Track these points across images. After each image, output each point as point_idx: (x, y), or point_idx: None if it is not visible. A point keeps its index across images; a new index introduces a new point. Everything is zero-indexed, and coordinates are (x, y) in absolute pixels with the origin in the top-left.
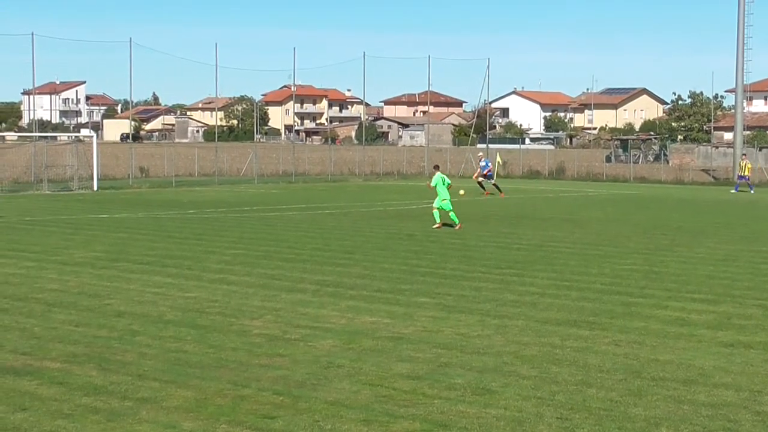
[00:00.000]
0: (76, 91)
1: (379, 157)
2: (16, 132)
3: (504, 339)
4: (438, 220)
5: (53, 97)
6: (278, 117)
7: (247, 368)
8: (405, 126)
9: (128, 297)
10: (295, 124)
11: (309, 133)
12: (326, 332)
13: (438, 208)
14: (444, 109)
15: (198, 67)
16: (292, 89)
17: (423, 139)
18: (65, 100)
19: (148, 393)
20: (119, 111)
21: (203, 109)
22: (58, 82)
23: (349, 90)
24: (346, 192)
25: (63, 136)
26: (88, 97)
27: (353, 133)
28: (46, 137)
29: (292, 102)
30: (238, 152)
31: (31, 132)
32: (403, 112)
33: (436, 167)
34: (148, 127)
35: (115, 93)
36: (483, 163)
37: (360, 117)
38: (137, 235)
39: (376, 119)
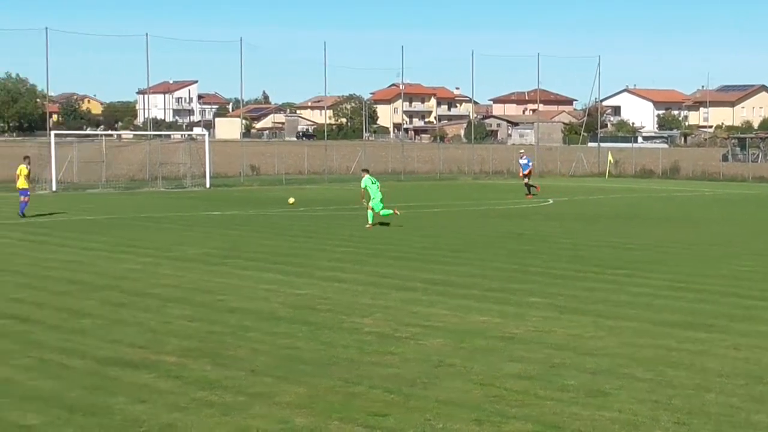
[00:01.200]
0: (189, 90)
1: (488, 156)
2: (131, 130)
3: (618, 340)
4: (371, 221)
5: (167, 96)
6: (387, 115)
7: (358, 365)
8: (514, 124)
9: (241, 293)
10: (404, 122)
11: (417, 131)
12: (436, 331)
13: (372, 209)
14: (554, 108)
15: (307, 66)
16: (401, 87)
17: (532, 138)
18: (178, 99)
19: (261, 388)
20: (230, 110)
21: (312, 108)
22: (171, 82)
23: (457, 88)
24: (454, 190)
25: (176, 135)
26: (200, 96)
27: (462, 132)
28: (160, 136)
29: (400, 100)
30: (347, 150)
31: (146, 130)
32: (512, 110)
33: (365, 170)
34: (259, 125)
35: (227, 92)
36: (524, 161)
37: (469, 115)
38: (249, 232)
39: (485, 117)
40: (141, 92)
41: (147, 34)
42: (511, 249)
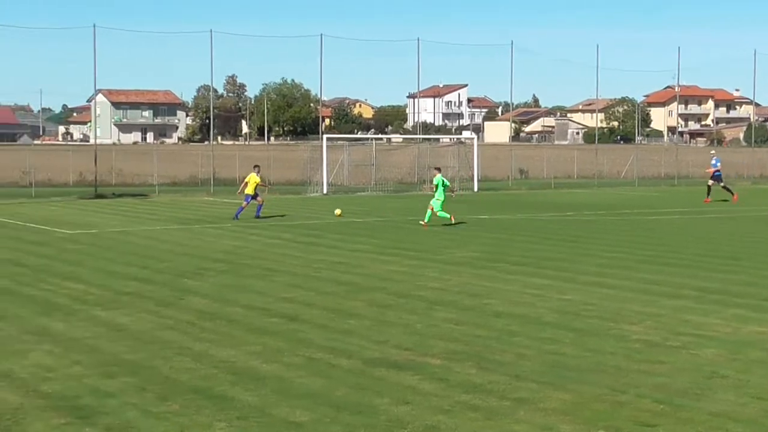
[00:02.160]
0: (459, 93)
1: None
2: (401, 134)
3: None
4: (427, 220)
5: (436, 99)
6: (661, 118)
7: (625, 374)
8: None
9: (507, 297)
10: (679, 125)
11: (693, 134)
12: (709, 341)
13: (432, 208)
14: None
15: (578, 69)
16: (676, 90)
17: None
18: (448, 103)
19: (526, 393)
20: (500, 113)
21: (583, 111)
22: (441, 86)
23: (737, 90)
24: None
25: (445, 138)
26: (469, 100)
27: (741, 135)
28: (429, 139)
29: (675, 103)
30: (618, 154)
31: (415, 134)
32: None
33: (437, 169)
34: (528, 128)
35: (496, 95)
36: (713, 162)
37: (749, 118)
38: (515, 236)
39: (766, 120)
40: (411, 96)
41: (418, 39)
42: None
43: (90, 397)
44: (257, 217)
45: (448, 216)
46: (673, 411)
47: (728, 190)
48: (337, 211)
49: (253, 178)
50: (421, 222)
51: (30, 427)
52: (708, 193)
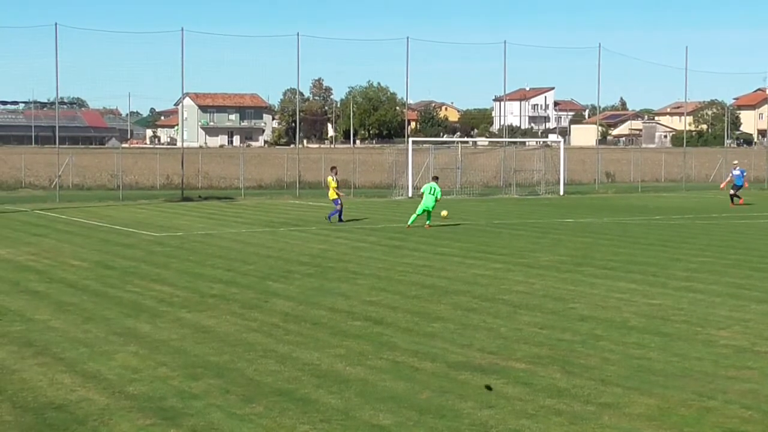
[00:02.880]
0: (545, 97)
1: None
2: (487, 137)
3: None
4: (410, 222)
5: (522, 103)
6: (751, 121)
7: (713, 379)
8: None
9: (592, 301)
10: None
11: None
12: None
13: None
14: None
15: (666, 71)
16: (767, 92)
17: None
18: (534, 106)
19: (611, 398)
20: (586, 116)
21: (671, 114)
22: (527, 89)
23: None
24: None
25: (531, 142)
26: (556, 103)
27: None
28: (515, 142)
29: (766, 105)
30: (706, 158)
31: (501, 137)
32: None
33: (435, 178)
34: (615, 132)
35: (583, 98)
36: (737, 173)
37: None
38: (601, 240)
39: None
40: (497, 99)
41: (505, 42)
42: None
43: (175, 399)
44: (329, 220)
45: (411, 222)
46: (762, 417)
47: (733, 198)
48: (444, 213)
49: (330, 183)
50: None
51: (116, 427)
52: (731, 200)
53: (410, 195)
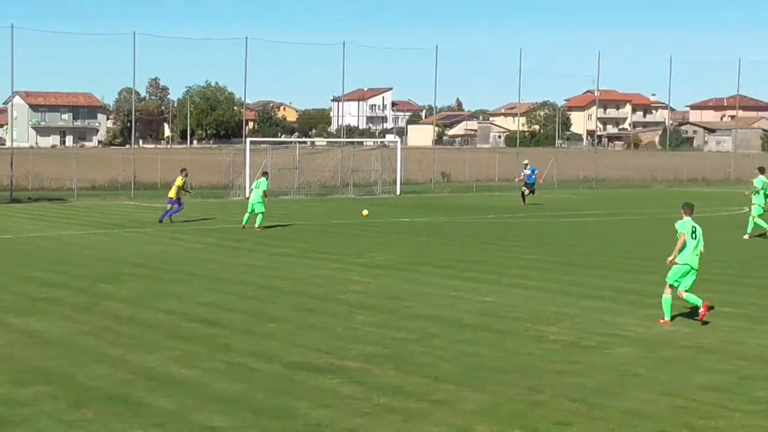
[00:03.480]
0: (383, 97)
1: (683, 163)
2: (325, 137)
3: None
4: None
5: (360, 103)
6: (580, 122)
7: (542, 374)
8: (711, 131)
9: (427, 300)
10: (598, 129)
11: (611, 138)
12: (623, 340)
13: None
14: (753, 114)
15: (501, 73)
16: (595, 94)
17: (729, 145)
18: (372, 107)
19: (444, 395)
20: (423, 117)
21: (505, 115)
22: (365, 89)
23: (654, 95)
24: (648, 198)
25: (369, 142)
26: (393, 104)
27: (656, 139)
28: (353, 143)
29: (594, 107)
30: (539, 157)
31: (339, 137)
32: (709, 116)
33: (264, 173)
34: (451, 132)
35: (420, 99)
36: (528, 171)
37: (664, 122)
38: (437, 239)
39: (680, 124)
40: (335, 99)
41: (344, 43)
42: (705, 258)
43: (0, 407)
44: (160, 221)
45: (245, 222)
46: (588, 409)
47: (524, 197)
48: (365, 212)
49: (178, 181)
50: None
51: None
52: (523, 199)
53: (247, 195)
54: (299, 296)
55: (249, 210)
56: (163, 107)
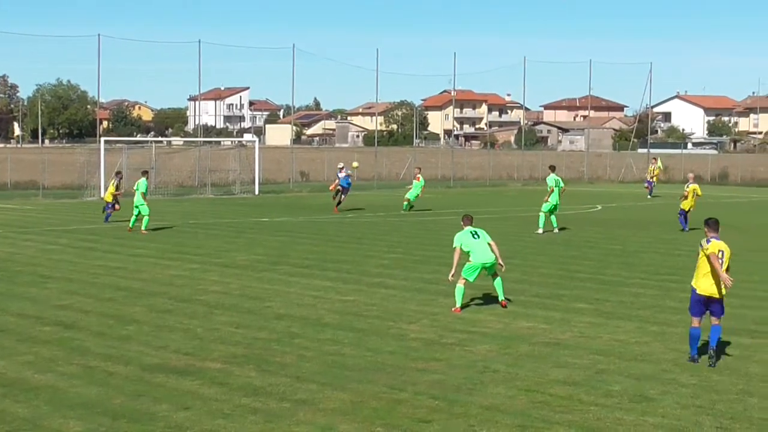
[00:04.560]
0: (240, 96)
1: (538, 162)
2: (182, 137)
3: (663, 346)
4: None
5: (218, 102)
6: (438, 122)
7: (403, 372)
8: (564, 131)
9: (288, 300)
10: (455, 128)
11: (468, 138)
12: (483, 337)
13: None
14: (605, 114)
15: (359, 73)
16: (452, 94)
17: (582, 144)
18: (229, 106)
19: (306, 395)
20: (281, 116)
21: (363, 114)
22: (222, 88)
23: (509, 95)
24: (504, 197)
25: (226, 141)
26: (251, 103)
27: (512, 138)
28: (210, 142)
29: (451, 107)
30: (397, 157)
31: (196, 137)
32: (563, 116)
33: (144, 172)
34: (309, 131)
35: (278, 98)
36: (342, 175)
37: (519, 122)
38: (297, 239)
39: (535, 124)
40: (192, 99)
41: (200, 41)
42: (558, 255)
43: None
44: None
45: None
46: (448, 406)
47: (339, 202)
48: (355, 164)
49: (110, 187)
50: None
51: None
52: (337, 205)
53: (102, 196)
54: (158, 297)
55: (134, 213)
56: (12, 105)
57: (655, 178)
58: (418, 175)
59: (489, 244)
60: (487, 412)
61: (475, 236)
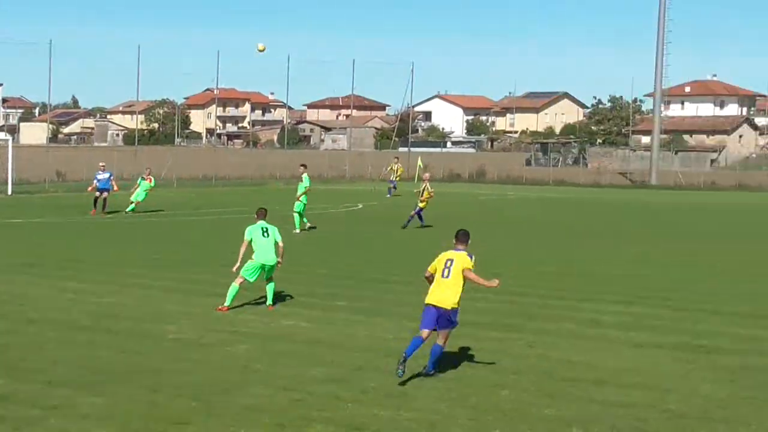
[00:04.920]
0: None
1: (300, 161)
2: None
3: None
4: None
5: None
6: (200, 120)
7: (161, 374)
8: (327, 129)
9: (41, 303)
10: (217, 127)
11: (231, 136)
12: (243, 336)
13: None
14: (367, 113)
15: (119, 70)
16: (215, 92)
17: (345, 143)
18: None
19: (59, 400)
20: (37, 114)
21: (123, 113)
22: None
23: (272, 93)
24: (266, 195)
25: None
26: (4, 100)
27: (275, 137)
28: None
29: (214, 105)
30: (158, 156)
31: None
32: (326, 115)
33: None
34: (67, 130)
35: (33, 95)
36: (102, 176)
37: (283, 120)
38: (53, 240)
39: (298, 123)
40: None
41: None
42: (320, 253)
43: None
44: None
45: None
46: (207, 407)
47: (99, 204)
48: (260, 45)
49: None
50: None
51: None
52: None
53: None
54: None
55: None
56: None
57: (397, 178)
58: (149, 177)
59: (277, 243)
60: (246, 411)
61: (265, 234)
